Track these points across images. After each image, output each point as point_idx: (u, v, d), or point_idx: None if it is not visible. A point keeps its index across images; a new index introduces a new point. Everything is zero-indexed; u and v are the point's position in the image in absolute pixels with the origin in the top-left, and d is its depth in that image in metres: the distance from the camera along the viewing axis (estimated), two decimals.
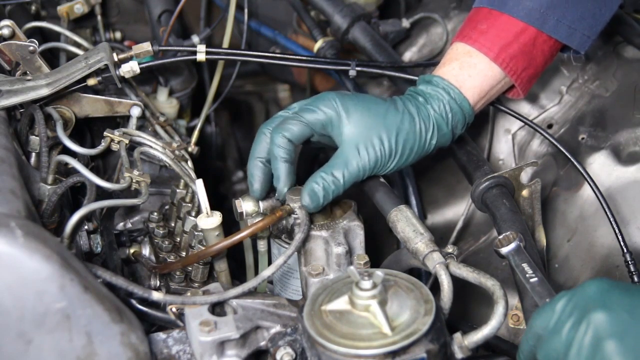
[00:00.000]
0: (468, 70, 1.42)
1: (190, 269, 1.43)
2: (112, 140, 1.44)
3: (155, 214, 1.55)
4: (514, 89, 1.50)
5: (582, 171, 1.49)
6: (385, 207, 1.35)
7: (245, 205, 1.34)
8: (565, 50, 1.50)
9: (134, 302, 1.22)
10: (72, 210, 1.32)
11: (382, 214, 1.35)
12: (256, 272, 1.45)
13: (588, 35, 1.46)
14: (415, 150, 1.38)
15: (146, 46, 1.56)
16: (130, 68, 1.53)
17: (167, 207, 1.58)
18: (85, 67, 1.48)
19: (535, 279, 1.18)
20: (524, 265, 1.20)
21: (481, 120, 1.86)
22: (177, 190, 1.53)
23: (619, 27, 1.78)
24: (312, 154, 1.37)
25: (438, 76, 1.42)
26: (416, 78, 1.57)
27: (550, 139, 1.54)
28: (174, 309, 1.16)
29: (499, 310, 1.13)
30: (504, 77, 1.44)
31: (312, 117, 1.33)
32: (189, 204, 1.50)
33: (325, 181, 1.31)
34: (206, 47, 1.59)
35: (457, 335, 1.12)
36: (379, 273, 1.08)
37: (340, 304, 1.10)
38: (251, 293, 1.18)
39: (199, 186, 1.30)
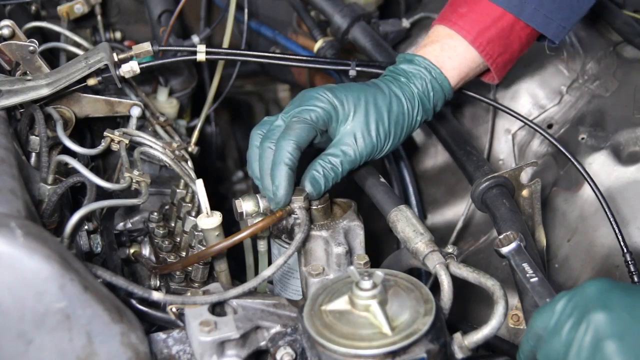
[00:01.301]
0: (448, 52, 1.46)
1: (190, 269, 1.43)
2: (112, 140, 1.44)
3: (155, 214, 1.55)
4: (489, 73, 1.53)
5: (582, 171, 1.49)
6: (385, 207, 1.35)
7: (245, 206, 1.34)
8: (541, 39, 1.53)
9: (134, 302, 1.22)
10: (72, 210, 1.32)
11: (382, 214, 1.35)
12: (256, 272, 1.45)
13: (564, 25, 1.49)
14: (405, 130, 1.43)
15: (146, 46, 1.56)
16: (130, 68, 1.53)
17: (167, 207, 1.58)
18: (85, 67, 1.48)
19: (536, 278, 1.18)
20: (525, 265, 1.20)
21: (481, 120, 1.86)
22: (177, 190, 1.53)
23: (619, 26, 1.78)
24: (312, 154, 1.38)
25: (420, 56, 1.46)
26: None
27: (550, 139, 1.55)
28: (174, 309, 1.16)
29: (499, 310, 1.13)
30: (482, 60, 1.48)
31: (314, 115, 1.33)
32: (189, 204, 1.50)
33: (325, 168, 1.33)
34: (206, 47, 1.59)
35: (457, 335, 1.12)
36: (379, 273, 1.08)
37: (340, 304, 1.10)
38: (251, 293, 1.18)
39: (199, 186, 1.30)
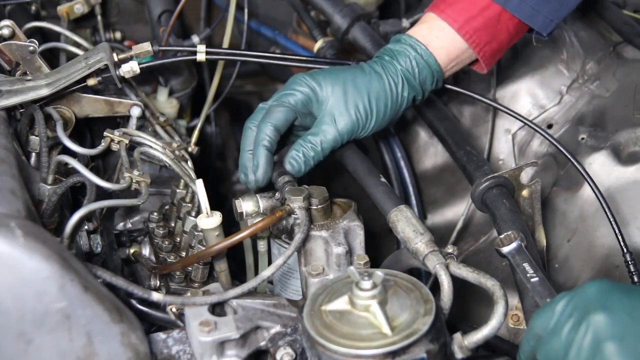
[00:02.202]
0: (436, 32, 1.49)
1: (190, 269, 1.43)
2: (112, 140, 1.44)
3: (155, 214, 1.55)
4: (478, 62, 1.54)
5: (582, 171, 1.49)
6: (385, 207, 1.35)
7: (245, 205, 1.34)
8: (531, 30, 1.54)
9: (134, 302, 1.22)
10: (72, 210, 1.32)
11: (382, 214, 1.35)
12: (256, 272, 1.45)
13: (551, 18, 1.50)
14: (390, 106, 1.46)
15: (146, 46, 1.56)
16: (130, 68, 1.53)
17: (167, 207, 1.58)
18: (85, 67, 1.48)
19: (536, 278, 1.18)
20: (525, 264, 1.20)
21: (481, 120, 1.86)
22: (177, 190, 1.53)
23: (619, 26, 1.78)
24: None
25: (406, 34, 1.50)
26: None
27: (550, 139, 1.55)
28: (174, 309, 1.16)
29: (499, 310, 1.13)
30: (469, 47, 1.50)
31: (292, 99, 1.40)
32: (189, 204, 1.50)
33: (305, 148, 1.40)
34: (206, 47, 1.59)
35: (457, 335, 1.12)
36: (379, 273, 1.08)
37: (340, 304, 1.10)
38: (251, 293, 1.18)
39: (199, 186, 1.30)
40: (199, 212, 1.43)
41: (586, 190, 1.61)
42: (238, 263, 1.48)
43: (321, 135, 1.41)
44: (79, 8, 1.87)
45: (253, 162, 1.38)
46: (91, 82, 1.51)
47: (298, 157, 1.40)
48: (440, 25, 1.49)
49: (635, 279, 1.40)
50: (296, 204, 1.30)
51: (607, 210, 1.43)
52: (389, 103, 1.45)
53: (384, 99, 1.44)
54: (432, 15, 1.51)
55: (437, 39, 1.48)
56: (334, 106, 1.42)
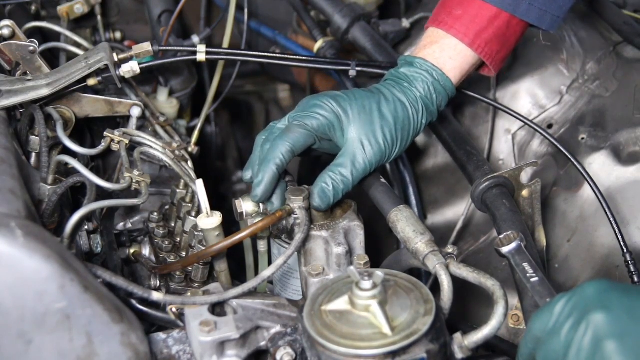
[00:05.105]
0: (449, 52, 1.46)
1: (190, 269, 1.43)
2: (112, 140, 1.44)
3: (155, 214, 1.55)
4: (486, 66, 1.53)
5: (582, 171, 1.49)
6: (385, 207, 1.35)
7: (245, 206, 1.34)
8: (534, 26, 1.53)
9: (134, 302, 1.22)
10: (72, 210, 1.32)
11: (382, 214, 1.35)
12: (256, 272, 1.45)
13: (558, 15, 1.49)
14: (412, 134, 1.42)
15: (146, 46, 1.56)
16: (130, 68, 1.53)
17: (167, 207, 1.58)
18: (85, 67, 1.48)
19: (536, 278, 1.18)
20: (525, 264, 1.20)
21: (481, 120, 1.86)
22: (177, 190, 1.53)
23: (619, 26, 1.78)
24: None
25: (420, 58, 1.45)
26: None
27: (550, 139, 1.55)
28: (174, 309, 1.16)
29: (499, 310, 1.13)
30: (480, 59, 1.48)
31: (315, 123, 1.33)
32: (189, 204, 1.50)
33: (335, 180, 1.32)
34: (206, 47, 1.59)
35: (457, 335, 1.12)
36: (379, 273, 1.08)
37: (340, 304, 1.10)
38: (251, 293, 1.18)
39: (199, 186, 1.30)
40: (199, 212, 1.43)
41: (586, 190, 1.61)
42: (238, 263, 1.48)
43: (351, 165, 1.34)
44: (79, 8, 1.87)
45: (257, 176, 1.30)
46: (91, 82, 1.51)
47: (328, 191, 1.31)
48: (451, 44, 1.45)
49: (635, 279, 1.40)
50: (296, 204, 1.30)
51: (607, 210, 1.43)
52: (411, 131, 1.41)
53: (407, 127, 1.40)
54: (440, 33, 1.47)
55: (451, 60, 1.45)
56: (362, 134, 1.35)
